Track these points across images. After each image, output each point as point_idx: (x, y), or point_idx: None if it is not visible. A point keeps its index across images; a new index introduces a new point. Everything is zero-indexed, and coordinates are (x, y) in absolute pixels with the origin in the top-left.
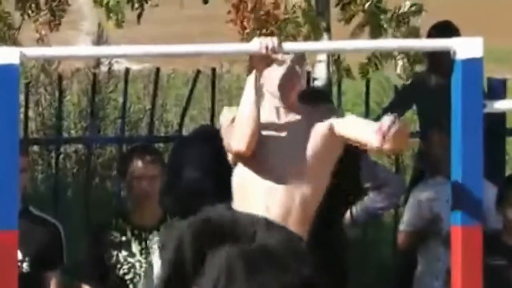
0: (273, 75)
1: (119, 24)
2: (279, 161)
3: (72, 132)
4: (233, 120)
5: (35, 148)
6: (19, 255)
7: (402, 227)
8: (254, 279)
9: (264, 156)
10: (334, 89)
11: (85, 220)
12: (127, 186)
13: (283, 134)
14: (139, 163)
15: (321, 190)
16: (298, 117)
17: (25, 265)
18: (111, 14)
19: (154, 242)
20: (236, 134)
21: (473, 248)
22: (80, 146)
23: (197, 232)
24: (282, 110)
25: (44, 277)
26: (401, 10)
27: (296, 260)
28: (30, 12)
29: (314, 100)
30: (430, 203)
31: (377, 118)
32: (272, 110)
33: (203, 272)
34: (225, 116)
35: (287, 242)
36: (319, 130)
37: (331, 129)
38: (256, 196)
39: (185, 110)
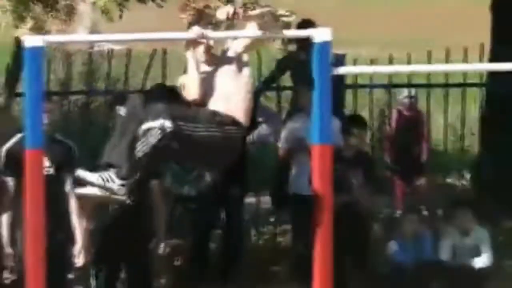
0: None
1: (110, 19)
2: (217, 87)
3: (76, 88)
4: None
5: (54, 98)
6: (48, 163)
7: (281, 145)
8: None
9: (210, 89)
10: None
11: (86, 142)
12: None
13: (215, 74)
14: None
15: (248, 94)
16: (217, 62)
17: (51, 169)
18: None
19: None
20: (189, 90)
21: (326, 159)
22: (81, 97)
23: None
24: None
25: (63, 177)
26: (279, 12)
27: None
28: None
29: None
30: (298, 129)
31: (265, 82)
32: (204, 64)
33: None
34: (181, 81)
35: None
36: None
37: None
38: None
39: (146, 74)
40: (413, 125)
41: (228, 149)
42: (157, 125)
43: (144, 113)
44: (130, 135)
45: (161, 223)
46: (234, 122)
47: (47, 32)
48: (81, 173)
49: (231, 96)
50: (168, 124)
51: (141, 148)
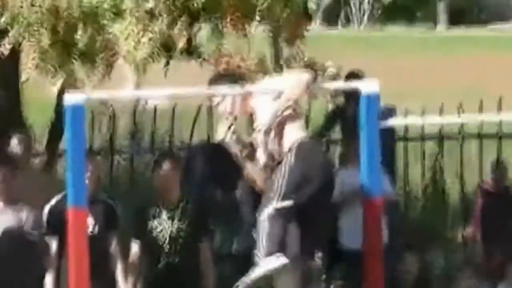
0: None
1: (144, 72)
2: None
3: (121, 146)
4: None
5: (98, 157)
6: (92, 222)
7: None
8: None
9: None
10: None
11: (131, 201)
12: (158, 178)
13: None
14: (164, 164)
15: None
16: None
17: (96, 228)
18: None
19: (176, 213)
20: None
21: (376, 212)
22: (127, 154)
23: None
24: None
25: (107, 236)
26: (326, 64)
27: None
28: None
29: None
30: (348, 183)
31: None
32: None
33: None
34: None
35: None
36: None
37: None
38: None
39: (192, 130)
40: (504, 204)
41: None
42: None
43: None
44: None
45: (210, 283)
46: None
47: (81, 87)
48: None
49: None
50: None
51: None
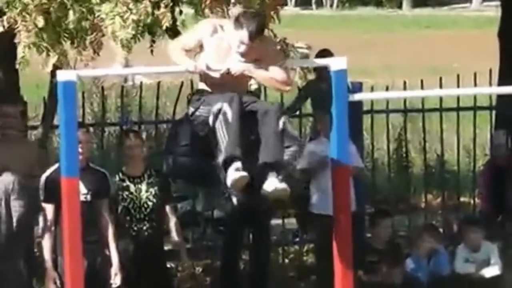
0: None
1: (129, 51)
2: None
3: (112, 119)
4: None
5: (90, 129)
6: (84, 190)
7: (299, 166)
8: None
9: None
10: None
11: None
12: (124, 152)
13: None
14: (128, 139)
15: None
16: None
17: (88, 196)
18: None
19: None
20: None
21: (344, 180)
22: (116, 127)
23: None
24: None
25: (98, 203)
26: (297, 45)
27: None
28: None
29: None
30: (318, 152)
31: (287, 109)
32: None
33: None
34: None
35: None
36: None
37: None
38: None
39: (175, 104)
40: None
41: None
42: None
43: None
44: None
45: (180, 245)
46: None
47: (71, 66)
48: None
49: None
50: None
51: None
